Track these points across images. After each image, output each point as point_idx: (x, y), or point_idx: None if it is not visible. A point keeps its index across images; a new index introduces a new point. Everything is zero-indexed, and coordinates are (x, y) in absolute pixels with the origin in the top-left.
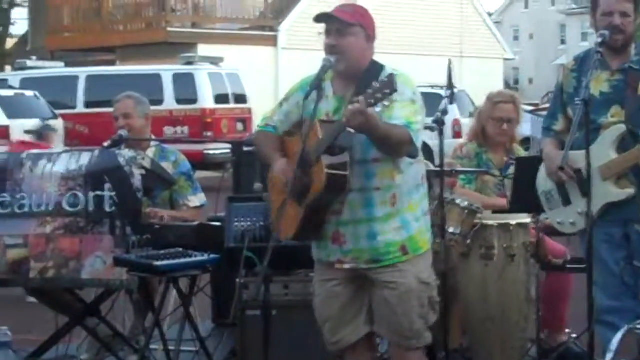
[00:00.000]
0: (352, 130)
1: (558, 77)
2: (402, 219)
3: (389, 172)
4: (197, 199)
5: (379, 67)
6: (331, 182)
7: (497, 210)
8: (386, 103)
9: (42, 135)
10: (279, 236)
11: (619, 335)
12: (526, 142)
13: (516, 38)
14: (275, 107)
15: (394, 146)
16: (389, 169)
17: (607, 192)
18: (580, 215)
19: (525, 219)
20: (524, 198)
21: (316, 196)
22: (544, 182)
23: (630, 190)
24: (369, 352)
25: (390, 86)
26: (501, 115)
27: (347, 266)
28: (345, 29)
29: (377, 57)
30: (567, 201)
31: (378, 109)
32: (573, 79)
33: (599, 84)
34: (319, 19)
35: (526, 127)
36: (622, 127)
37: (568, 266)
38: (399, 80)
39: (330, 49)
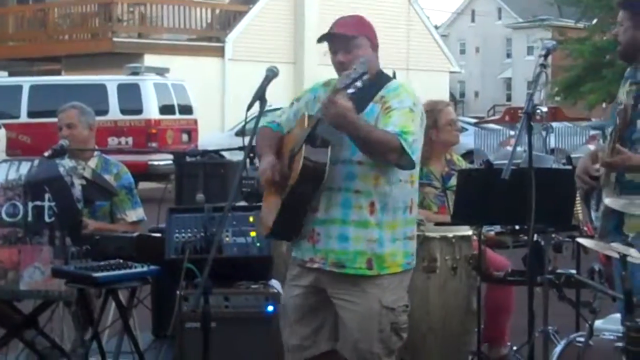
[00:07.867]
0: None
1: None
2: (379, 233)
3: (373, 178)
4: (134, 214)
5: (386, 79)
6: (306, 171)
7: (440, 223)
8: (359, 84)
9: None
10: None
11: (559, 348)
12: (470, 155)
13: (462, 51)
14: (287, 107)
15: (375, 148)
16: (372, 173)
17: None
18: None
19: (467, 231)
20: (466, 210)
21: (292, 185)
22: None
23: (607, 200)
24: None
25: (361, 68)
26: (452, 117)
27: (315, 265)
28: (350, 43)
29: (321, 69)
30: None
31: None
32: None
33: (623, 94)
34: (322, 39)
35: (470, 139)
36: None
37: (509, 279)
38: (402, 91)
39: (339, 66)
